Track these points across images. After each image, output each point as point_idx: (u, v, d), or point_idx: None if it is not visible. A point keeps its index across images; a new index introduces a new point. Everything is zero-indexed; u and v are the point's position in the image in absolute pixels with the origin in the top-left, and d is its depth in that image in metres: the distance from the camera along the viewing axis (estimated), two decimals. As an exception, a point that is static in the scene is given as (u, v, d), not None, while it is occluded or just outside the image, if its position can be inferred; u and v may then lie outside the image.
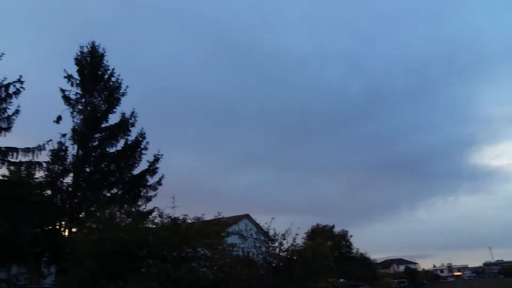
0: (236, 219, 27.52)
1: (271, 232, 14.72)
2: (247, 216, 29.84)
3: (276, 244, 14.50)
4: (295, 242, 14.58)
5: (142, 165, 22.45)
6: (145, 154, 22.58)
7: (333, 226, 58.79)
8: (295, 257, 14.39)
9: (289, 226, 14.71)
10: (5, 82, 19.61)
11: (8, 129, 19.69)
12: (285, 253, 14.50)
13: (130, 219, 16.97)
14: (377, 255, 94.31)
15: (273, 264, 14.74)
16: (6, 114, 19.53)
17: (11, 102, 19.65)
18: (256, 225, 17.59)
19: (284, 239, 14.38)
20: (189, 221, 15.03)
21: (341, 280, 34.51)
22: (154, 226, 15.35)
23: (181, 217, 15.13)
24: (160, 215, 15.61)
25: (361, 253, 60.98)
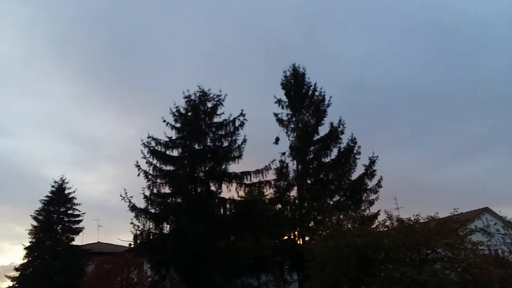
0: (474, 214, 24.74)
1: (524, 225, 12.70)
2: (486, 210, 26.45)
3: (534, 238, 12.38)
4: (559, 234, 12.16)
5: (358, 170, 22.69)
6: (359, 158, 22.80)
7: None
8: (562, 252, 11.99)
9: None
10: (231, 118, 22.99)
11: (239, 156, 22.90)
12: (547, 247, 12.24)
13: (356, 224, 17.24)
14: None
15: (534, 262, 12.62)
16: (236, 145, 22.78)
17: (239, 134, 22.89)
18: (500, 218, 15.46)
19: (543, 231, 12.17)
20: (421, 221, 14.34)
21: None
22: (385, 229, 15.16)
23: (412, 218, 14.58)
24: (390, 218, 15.34)
25: None
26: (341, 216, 18.00)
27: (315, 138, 23.86)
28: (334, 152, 23.23)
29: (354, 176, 22.66)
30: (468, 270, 12.95)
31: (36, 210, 36.48)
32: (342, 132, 23.34)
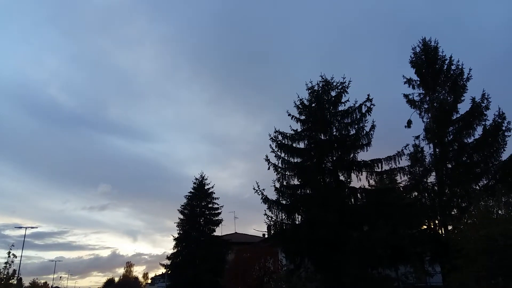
0: None
1: None
2: None
3: None
4: None
5: (510, 149, 20.03)
6: (509, 135, 20.01)
7: None
8: None
9: None
10: (357, 105, 22.18)
11: (368, 144, 21.90)
12: None
13: (510, 210, 15.19)
14: None
15: None
16: (364, 132, 21.85)
17: (366, 120, 21.94)
18: None
19: None
20: None
21: None
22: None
23: None
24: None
25: None
26: (491, 202, 15.92)
27: (454, 118, 21.69)
28: (478, 131, 20.85)
29: (505, 156, 20.04)
30: None
31: (182, 205, 40.71)
32: (487, 108, 20.75)
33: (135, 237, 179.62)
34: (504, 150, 20.08)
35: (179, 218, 39.82)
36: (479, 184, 20.45)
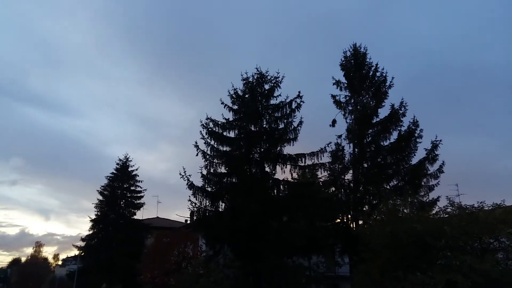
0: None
1: None
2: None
3: None
4: None
5: (419, 154, 21.85)
6: (420, 142, 21.91)
7: None
8: None
9: None
10: (288, 100, 22.79)
11: (295, 139, 22.60)
12: None
13: (414, 210, 16.67)
14: None
15: None
16: (292, 127, 22.55)
17: (295, 116, 22.65)
18: None
19: None
20: (486, 208, 13.59)
21: None
22: (446, 216, 14.53)
23: (476, 205, 13.86)
24: (452, 204, 14.67)
25: None
26: (398, 201, 17.44)
27: (374, 121, 23.17)
28: (394, 136, 22.54)
29: (414, 160, 21.88)
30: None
31: (102, 186, 39.18)
32: (404, 115, 22.48)
33: (48, 216, 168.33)
34: (415, 155, 21.92)
35: (98, 199, 38.33)
36: (390, 184, 22.06)
